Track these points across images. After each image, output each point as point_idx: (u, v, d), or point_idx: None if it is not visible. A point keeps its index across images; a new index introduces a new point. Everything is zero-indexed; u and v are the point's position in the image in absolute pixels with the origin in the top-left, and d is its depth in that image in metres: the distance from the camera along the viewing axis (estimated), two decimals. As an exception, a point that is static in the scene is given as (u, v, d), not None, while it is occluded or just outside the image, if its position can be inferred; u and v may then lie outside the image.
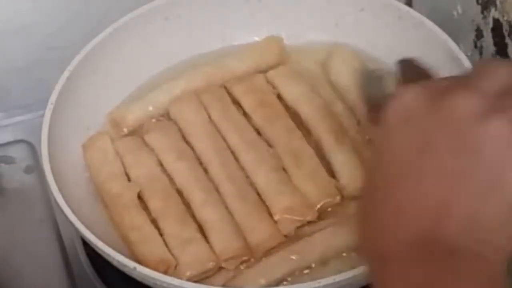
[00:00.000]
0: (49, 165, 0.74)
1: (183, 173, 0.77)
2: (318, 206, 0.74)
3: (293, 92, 0.82)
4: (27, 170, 0.89)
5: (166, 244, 0.73)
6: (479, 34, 0.82)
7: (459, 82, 0.48)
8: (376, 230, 0.49)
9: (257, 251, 0.72)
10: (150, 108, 0.83)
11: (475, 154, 0.46)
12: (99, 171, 0.78)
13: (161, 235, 0.73)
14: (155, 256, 0.72)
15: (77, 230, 0.71)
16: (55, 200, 0.72)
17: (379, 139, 0.50)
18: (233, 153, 0.78)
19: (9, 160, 0.90)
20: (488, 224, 0.46)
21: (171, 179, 0.77)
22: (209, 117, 0.81)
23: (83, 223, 0.70)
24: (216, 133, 0.80)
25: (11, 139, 0.92)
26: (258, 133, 0.80)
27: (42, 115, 0.78)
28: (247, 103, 0.81)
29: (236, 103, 0.82)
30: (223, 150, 0.78)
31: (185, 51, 0.87)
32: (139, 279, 0.68)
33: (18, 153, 0.90)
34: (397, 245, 0.47)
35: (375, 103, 0.54)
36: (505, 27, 0.77)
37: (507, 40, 0.77)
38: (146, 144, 0.80)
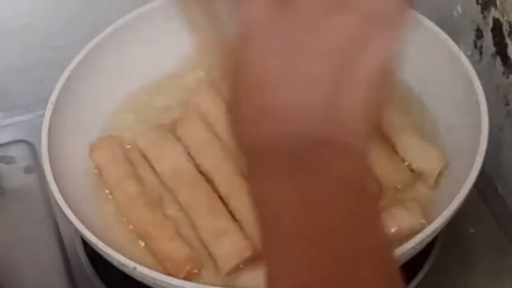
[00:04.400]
0: (49, 165, 0.74)
1: (211, 163, 0.77)
2: None
3: None
4: (27, 170, 0.89)
5: (199, 238, 0.73)
6: (479, 34, 0.82)
7: None
8: (243, 122, 0.50)
9: None
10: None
11: (326, 51, 0.48)
12: (113, 170, 0.78)
13: (193, 228, 0.73)
14: (182, 253, 0.72)
15: (77, 230, 0.71)
16: (55, 200, 0.72)
17: (237, 46, 0.50)
18: None
19: (9, 160, 0.90)
20: (348, 112, 0.48)
21: (198, 170, 0.77)
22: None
23: (83, 223, 0.70)
24: None
25: (11, 139, 0.92)
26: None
27: (42, 115, 0.78)
28: None
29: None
30: None
31: (186, 51, 0.87)
32: (139, 279, 0.68)
33: (18, 153, 0.91)
34: (265, 139, 0.48)
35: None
36: (505, 27, 0.77)
37: (507, 40, 0.77)
38: (168, 135, 0.80)
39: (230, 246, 0.72)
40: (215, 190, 0.76)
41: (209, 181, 0.76)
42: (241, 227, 0.73)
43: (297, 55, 0.48)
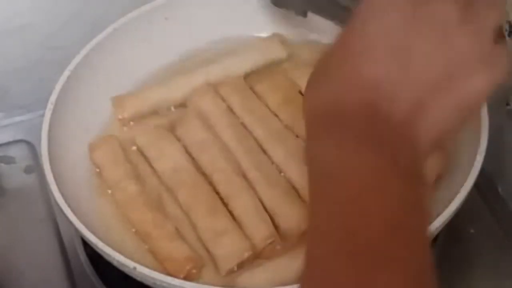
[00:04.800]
0: (49, 165, 0.74)
1: (211, 163, 0.77)
2: None
3: None
4: (27, 170, 0.89)
5: (199, 238, 0.73)
6: (479, 34, 0.82)
7: None
8: (329, 86, 0.52)
9: (291, 235, 0.72)
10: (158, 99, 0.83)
11: (442, 49, 0.50)
12: (113, 170, 0.78)
13: (193, 228, 0.74)
14: (182, 253, 0.72)
15: (77, 230, 0.71)
16: (55, 200, 0.72)
17: (362, 8, 0.52)
18: (260, 144, 0.78)
19: (9, 160, 0.90)
20: (434, 115, 0.50)
21: (198, 170, 0.77)
22: (229, 108, 0.81)
23: (83, 223, 0.70)
24: (237, 122, 0.80)
25: (11, 139, 0.92)
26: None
27: (42, 115, 0.78)
28: (271, 100, 0.82)
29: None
30: (246, 139, 0.78)
31: (186, 51, 0.87)
32: (139, 279, 0.68)
33: (18, 153, 0.91)
34: (343, 105, 0.50)
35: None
36: (505, 27, 0.77)
37: (507, 40, 0.77)
38: (167, 134, 0.80)
39: (229, 246, 0.72)
40: (215, 190, 0.76)
41: (209, 181, 0.76)
42: (240, 227, 0.73)
43: (418, 39, 0.50)
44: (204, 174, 0.77)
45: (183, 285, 0.66)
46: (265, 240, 0.72)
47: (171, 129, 0.81)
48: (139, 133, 0.81)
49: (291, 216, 0.72)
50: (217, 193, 0.75)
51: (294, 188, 0.75)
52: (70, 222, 0.70)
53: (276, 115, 0.80)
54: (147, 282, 0.68)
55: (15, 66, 0.92)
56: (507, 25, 0.77)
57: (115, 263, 0.69)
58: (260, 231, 0.72)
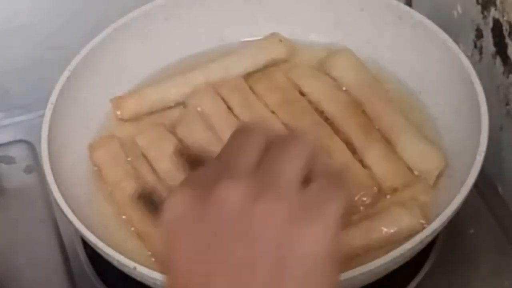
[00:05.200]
0: (49, 165, 0.74)
1: None
2: (356, 198, 0.74)
3: (316, 89, 0.82)
4: (27, 170, 0.89)
5: None
6: (479, 34, 0.82)
7: (217, 170, 0.48)
8: None
9: None
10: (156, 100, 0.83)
11: (252, 243, 0.46)
12: (113, 171, 0.78)
13: None
14: None
15: (77, 230, 0.71)
16: (55, 200, 0.72)
17: (163, 250, 0.49)
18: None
19: (9, 160, 0.90)
20: None
21: None
22: (229, 108, 0.81)
23: (83, 223, 0.70)
24: (237, 122, 0.80)
25: (11, 139, 0.92)
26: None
27: (42, 115, 0.78)
28: (270, 100, 0.82)
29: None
30: None
31: (185, 51, 0.87)
32: (139, 279, 0.68)
33: (18, 153, 0.91)
34: None
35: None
36: (505, 27, 0.77)
37: (507, 40, 0.77)
38: (167, 134, 0.80)
39: None
40: None
41: None
42: None
43: (226, 249, 0.46)
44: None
45: (183, 285, 0.66)
46: None
47: (172, 128, 0.81)
48: (140, 133, 0.81)
49: None
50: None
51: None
52: (70, 222, 0.70)
53: (275, 115, 0.81)
54: (147, 282, 0.68)
55: (15, 66, 0.92)
56: (507, 25, 0.77)
57: (115, 263, 0.69)
58: None
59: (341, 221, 0.47)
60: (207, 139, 0.79)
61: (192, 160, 0.55)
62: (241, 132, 0.51)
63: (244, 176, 0.47)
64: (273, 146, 0.49)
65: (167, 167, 0.77)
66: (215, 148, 0.77)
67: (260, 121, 0.51)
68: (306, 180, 0.48)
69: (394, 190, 0.75)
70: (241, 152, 0.49)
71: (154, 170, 0.78)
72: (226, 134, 0.78)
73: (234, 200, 0.46)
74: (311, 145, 0.49)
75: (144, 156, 0.79)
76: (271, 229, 0.46)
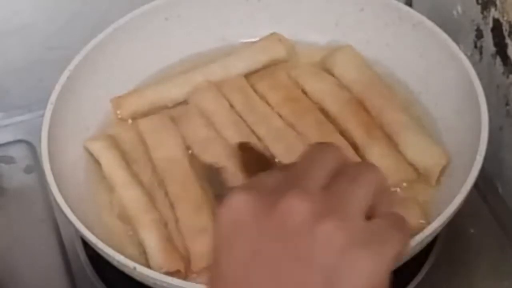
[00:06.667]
0: (49, 165, 0.74)
1: (212, 160, 0.77)
2: None
3: (318, 88, 0.82)
4: (27, 170, 0.89)
5: (180, 234, 0.73)
6: (479, 34, 0.82)
7: (287, 181, 0.48)
8: None
9: None
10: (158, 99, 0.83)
11: (308, 262, 0.45)
12: (113, 170, 0.78)
13: (176, 222, 0.74)
14: (175, 257, 0.72)
15: (77, 230, 0.71)
16: (55, 200, 0.72)
17: (214, 248, 0.48)
18: (262, 142, 0.78)
19: (9, 160, 0.90)
20: None
21: (191, 162, 0.77)
22: (231, 106, 0.81)
23: (83, 223, 0.70)
24: (239, 120, 0.80)
25: (11, 139, 0.92)
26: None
27: (42, 115, 0.78)
28: (273, 99, 0.82)
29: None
30: (248, 137, 0.78)
31: (185, 51, 0.87)
32: (139, 279, 0.68)
33: (18, 153, 0.91)
34: None
35: (219, 194, 0.53)
36: (505, 27, 0.77)
37: (507, 40, 0.77)
38: (169, 124, 0.80)
39: (206, 245, 0.72)
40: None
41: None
42: None
43: (281, 262, 0.45)
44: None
45: (183, 285, 0.66)
46: None
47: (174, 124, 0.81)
48: (144, 118, 0.81)
49: None
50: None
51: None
52: (70, 222, 0.70)
53: (277, 113, 0.81)
54: (147, 282, 0.68)
55: (15, 66, 0.93)
56: (507, 25, 0.77)
57: (115, 263, 0.69)
58: None
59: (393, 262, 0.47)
60: (208, 136, 0.79)
61: (251, 158, 0.54)
62: (317, 150, 0.50)
63: (313, 193, 0.47)
64: (345, 170, 0.49)
65: (163, 156, 0.77)
66: (216, 145, 0.77)
67: (335, 144, 0.51)
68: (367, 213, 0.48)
69: (395, 189, 0.75)
70: (314, 169, 0.48)
71: (175, 151, 0.78)
72: (227, 131, 0.79)
73: (299, 214, 0.46)
74: (382, 179, 0.49)
75: (144, 143, 0.79)
76: (329, 253, 0.45)
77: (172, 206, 0.75)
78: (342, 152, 0.50)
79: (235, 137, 0.78)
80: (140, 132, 0.80)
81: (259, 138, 0.79)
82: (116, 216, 0.76)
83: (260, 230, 0.46)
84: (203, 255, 0.71)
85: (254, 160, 0.53)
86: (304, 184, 0.47)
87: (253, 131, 0.79)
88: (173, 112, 0.83)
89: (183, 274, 0.71)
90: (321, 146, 0.51)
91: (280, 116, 0.80)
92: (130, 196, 0.76)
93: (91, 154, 0.80)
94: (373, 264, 0.46)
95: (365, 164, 0.50)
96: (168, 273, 0.69)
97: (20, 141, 0.92)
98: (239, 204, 0.47)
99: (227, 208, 0.47)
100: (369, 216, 0.48)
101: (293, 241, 0.45)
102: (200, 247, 0.72)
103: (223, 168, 0.56)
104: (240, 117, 0.81)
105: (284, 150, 0.77)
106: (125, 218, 0.75)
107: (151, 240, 0.73)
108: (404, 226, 0.49)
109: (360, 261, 0.45)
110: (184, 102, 0.83)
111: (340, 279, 0.45)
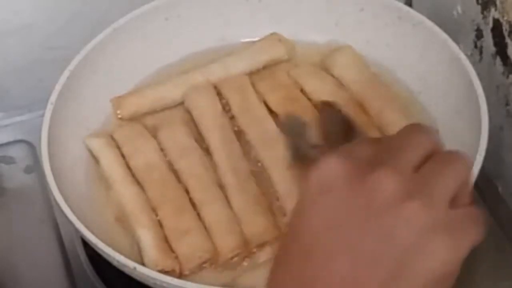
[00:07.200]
0: (49, 165, 0.74)
1: (188, 169, 0.77)
2: None
3: (318, 88, 0.82)
4: (27, 170, 0.89)
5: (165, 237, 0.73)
6: (479, 34, 0.82)
7: (381, 156, 0.48)
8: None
9: (251, 243, 0.72)
10: (155, 99, 0.83)
11: (388, 237, 0.46)
12: (112, 171, 0.78)
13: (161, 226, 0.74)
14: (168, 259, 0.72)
15: (77, 230, 0.71)
16: (55, 200, 0.72)
17: (298, 205, 0.49)
18: (253, 147, 0.78)
19: (9, 160, 0.90)
20: None
21: (170, 167, 0.78)
22: (225, 108, 0.81)
23: (83, 223, 0.70)
24: (227, 125, 0.80)
25: (11, 139, 0.92)
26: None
27: (42, 115, 0.78)
28: (272, 98, 0.82)
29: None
30: (231, 142, 0.78)
31: (185, 50, 0.87)
32: (139, 279, 0.68)
33: (18, 153, 0.91)
34: None
35: (299, 154, 0.53)
36: (505, 27, 0.77)
37: (507, 40, 0.77)
38: (144, 131, 0.80)
39: (192, 245, 0.72)
40: (183, 187, 0.76)
41: (183, 184, 0.77)
42: (209, 235, 0.73)
43: (361, 233, 0.46)
44: (177, 177, 0.77)
45: (183, 285, 0.66)
46: (231, 252, 0.72)
47: (154, 132, 0.81)
48: (117, 129, 0.81)
49: (255, 225, 0.73)
50: (190, 198, 0.76)
51: (274, 193, 0.75)
52: (70, 222, 0.70)
53: (276, 114, 0.81)
54: (147, 282, 0.68)
55: (15, 66, 0.93)
56: (507, 25, 0.77)
57: (115, 263, 0.69)
58: (226, 242, 0.72)
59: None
60: (189, 146, 0.79)
61: (332, 118, 0.54)
62: (414, 130, 0.51)
63: (404, 173, 0.47)
64: (438, 156, 0.49)
65: (140, 163, 0.77)
66: (191, 156, 0.77)
67: (431, 128, 0.51)
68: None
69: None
70: (408, 149, 0.49)
71: (152, 157, 0.78)
72: (212, 135, 0.79)
73: (388, 191, 0.46)
74: (470, 171, 0.50)
75: (141, 143, 0.79)
76: (411, 231, 0.46)
77: (154, 210, 0.75)
78: (437, 137, 0.51)
79: (217, 142, 0.78)
80: (116, 141, 0.80)
81: (246, 142, 0.79)
82: (112, 214, 0.76)
83: (348, 197, 0.47)
84: (189, 256, 0.72)
85: (335, 120, 0.53)
86: (396, 163, 0.48)
87: (243, 134, 0.79)
88: (172, 115, 0.83)
89: (177, 273, 0.71)
90: (418, 128, 0.51)
91: (279, 116, 0.80)
92: (128, 194, 0.76)
93: (91, 154, 0.80)
94: (450, 251, 0.47)
95: (457, 153, 0.50)
96: (163, 272, 0.69)
97: (20, 141, 0.92)
98: (333, 168, 0.48)
99: (321, 169, 0.48)
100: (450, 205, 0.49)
101: (377, 215, 0.46)
102: (186, 249, 0.72)
103: (308, 124, 0.57)
104: (234, 117, 0.80)
105: (270, 157, 0.77)
106: (121, 216, 0.76)
107: (147, 238, 0.73)
108: (481, 221, 0.50)
109: (439, 246, 0.46)
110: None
111: (414, 260, 0.46)
